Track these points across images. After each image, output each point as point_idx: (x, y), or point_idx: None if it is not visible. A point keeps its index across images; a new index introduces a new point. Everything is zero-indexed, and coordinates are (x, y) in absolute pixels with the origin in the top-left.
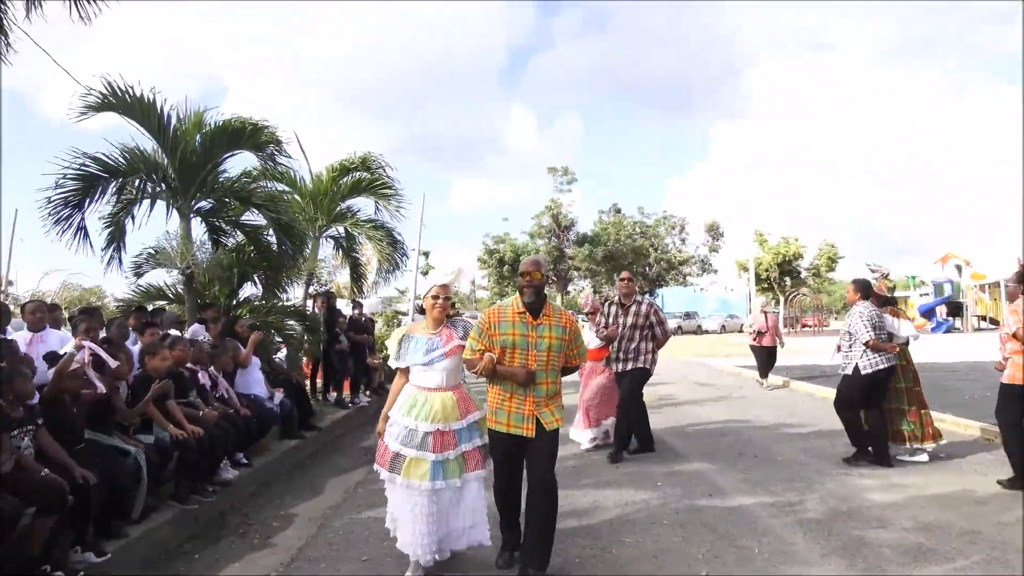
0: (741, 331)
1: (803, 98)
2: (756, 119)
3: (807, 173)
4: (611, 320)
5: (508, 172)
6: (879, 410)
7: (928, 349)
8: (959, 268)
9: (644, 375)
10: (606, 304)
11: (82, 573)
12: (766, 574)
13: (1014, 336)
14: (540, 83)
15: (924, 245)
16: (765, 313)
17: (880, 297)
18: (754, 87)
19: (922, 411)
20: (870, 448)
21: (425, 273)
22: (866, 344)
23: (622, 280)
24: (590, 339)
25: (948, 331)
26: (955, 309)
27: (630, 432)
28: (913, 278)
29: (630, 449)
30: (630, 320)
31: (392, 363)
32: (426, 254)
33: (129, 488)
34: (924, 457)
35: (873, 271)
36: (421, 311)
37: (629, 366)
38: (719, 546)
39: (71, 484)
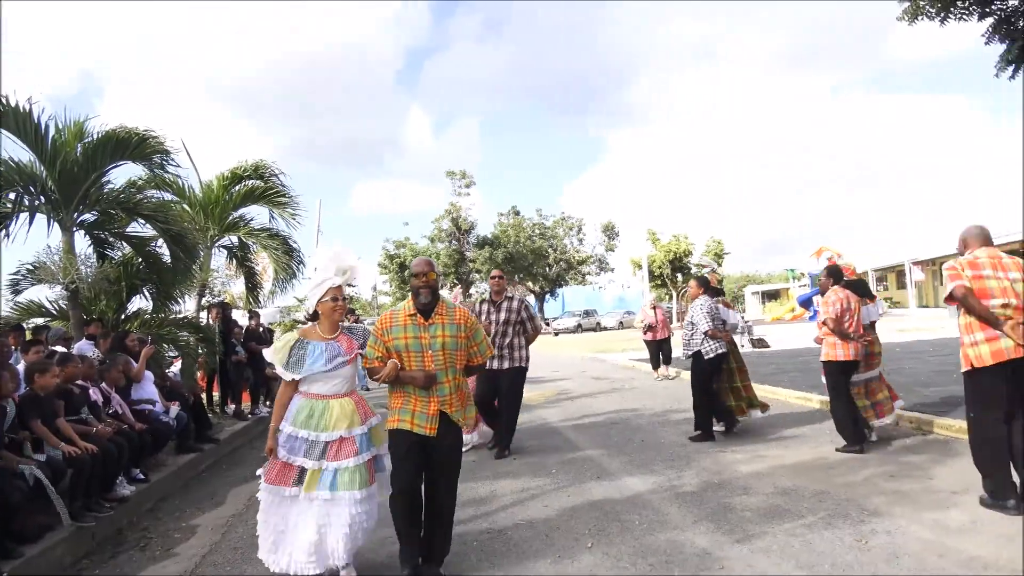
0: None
1: (690, 104)
2: (647, 124)
3: (696, 175)
4: (484, 318)
5: (408, 175)
6: (718, 389)
7: (803, 336)
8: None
9: (523, 373)
10: (478, 303)
11: None
12: (642, 541)
13: (824, 324)
14: (437, 85)
15: (802, 240)
16: (655, 308)
17: (713, 290)
18: (645, 93)
19: (746, 384)
20: (723, 424)
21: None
22: (705, 333)
23: (493, 278)
24: None
25: None
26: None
27: (512, 428)
28: (792, 271)
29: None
30: (503, 316)
31: (282, 373)
32: None
33: (21, 506)
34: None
35: (704, 267)
36: (314, 316)
37: (506, 364)
38: (604, 521)
39: None
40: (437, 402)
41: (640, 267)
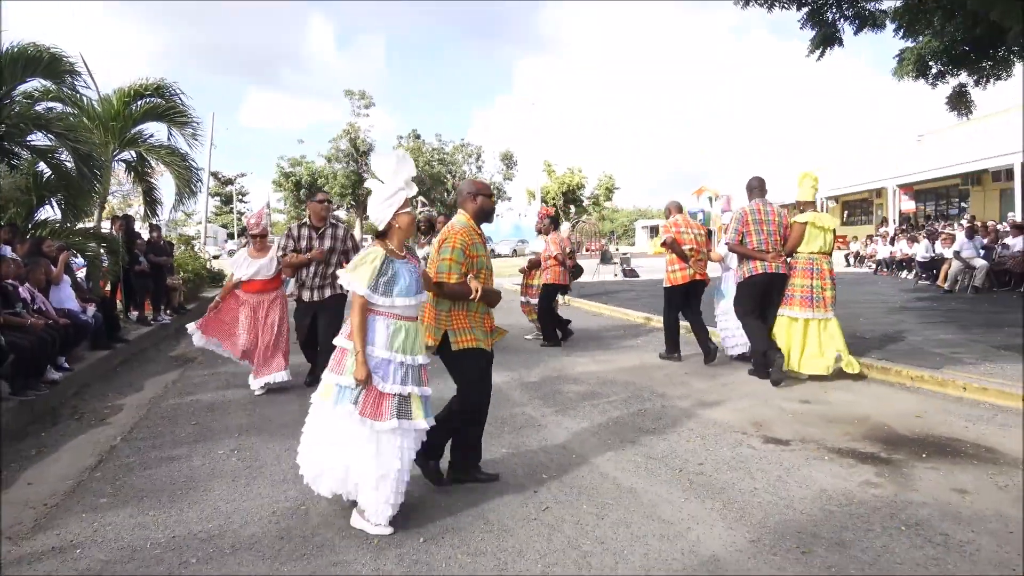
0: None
1: (597, 38)
2: (556, 54)
3: (596, 109)
4: (304, 244)
5: (305, 89)
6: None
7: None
8: (711, 199)
9: (343, 300)
10: (296, 226)
11: None
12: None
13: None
14: None
15: (692, 178)
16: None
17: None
18: (555, 21)
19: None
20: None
21: (282, 187)
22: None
23: (320, 202)
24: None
25: None
26: (707, 235)
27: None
28: None
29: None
30: (327, 244)
31: (370, 293)
32: (215, 175)
33: None
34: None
35: (422, 209)
36: (383, 233)
37: (327, 292)
38: None
39: None
40: (490, 318)
41: (535, 197)
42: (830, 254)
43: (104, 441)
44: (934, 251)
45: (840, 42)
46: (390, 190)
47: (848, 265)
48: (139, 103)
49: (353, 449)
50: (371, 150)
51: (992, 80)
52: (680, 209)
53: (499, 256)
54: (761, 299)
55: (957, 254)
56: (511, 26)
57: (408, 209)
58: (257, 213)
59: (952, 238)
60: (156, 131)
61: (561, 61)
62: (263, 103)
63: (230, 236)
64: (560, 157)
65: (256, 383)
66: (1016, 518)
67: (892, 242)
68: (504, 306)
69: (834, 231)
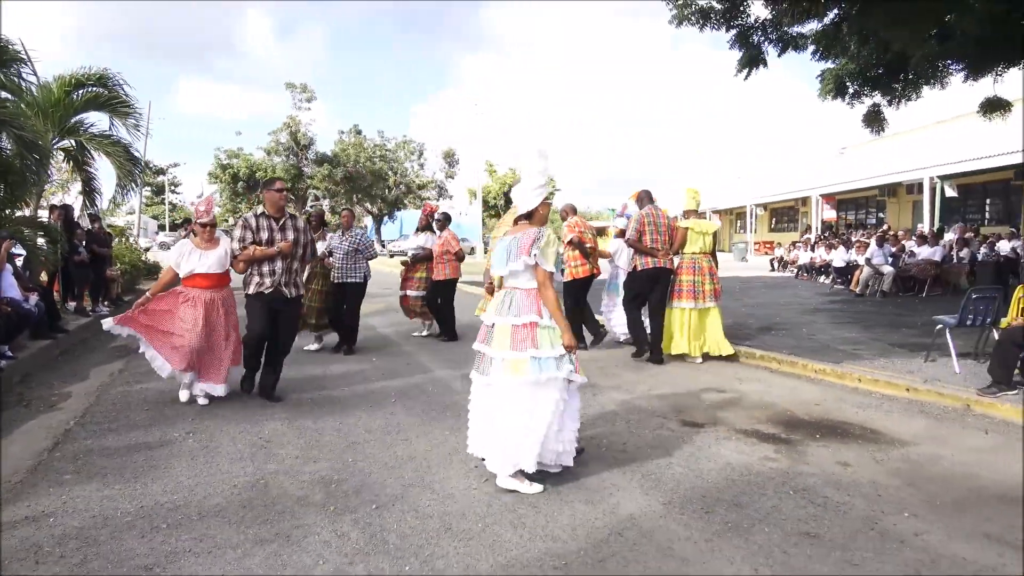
0: (471, 253)
1: (537, 38)
2: (499, 53)
3: (537, 109)
4: (266, 235)
5: (243, 79)
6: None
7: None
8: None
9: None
10: (252, 217)
11: None
12: (432, 399)
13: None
14: None
15: (626, 180)
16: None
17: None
18: (497, 22)
19: None
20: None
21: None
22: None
23: (279, 191)
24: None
25: None
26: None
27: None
28: (613, 210)
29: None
30: (290, 236)
31: (554, 271)
32: (146, 164)
33: None
34: None
35: (313, 204)
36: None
37: (294, 291)
38: (409, 394)
39: None
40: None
41: (476, 196)
42: (711, 254)
43: (57, 426)
44: (849, 258)
45: (765, 63)
46: (541, 180)
47: (773, 270)
48: (80, 92)
49: (543, 410)
50: (312, 144)
51: (904, 101)
52: (575, 211)
53: None
54: (648, 287)
55: (868, 261)
56: (453, 23)
57: (548, 200)
58: (206, 200)
59: (865, 246)
60: (98, 120)
61: (503, 60)
62: (196, 92)
63: (161, 228)
64: (502, 157)
65: (198, 389)
66: (886, 484)
67: (812, 248)
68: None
69: (715, 234)
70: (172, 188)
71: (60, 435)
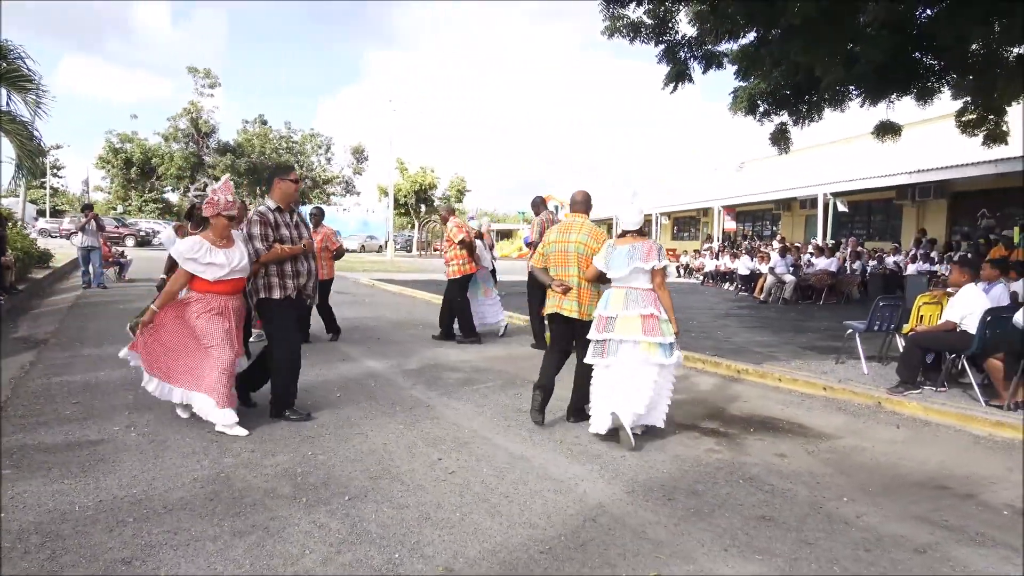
0: (379, 251)
1: (449, 38)
2: (412, 50)
3: (449, 109)
4: (285, 231)
5: (136, 62)
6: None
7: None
8: (557, 208)
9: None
10: (268, 211)
11: None
12: (375, 395)
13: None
14: None
15: (535, 186)
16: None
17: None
18: (410, 19)
19: None
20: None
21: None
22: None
23: (295, 181)
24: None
25: None
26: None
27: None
28: (523, 213)
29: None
30: (305, 232)
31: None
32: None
33: None
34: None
35: (197, 192)
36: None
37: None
38: (352, 389)
39: None
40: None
41: (386, 194)
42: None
43: None
44: (753, 267)
45: (691, 79)
46: (640, 207)
47: (679, 276)
48: None
49: (664, 383)
50: (214, 131)
51: (808, 121)
52: (453, 212)
53: (349, 251)
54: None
55: (772, 270)
56: (365, 18)
57: (649, 219)
58: (225, 186)
59: (768, 256)
60: None
61: (414, 57)
62: (82, 72)
63: (40, 214)
64: (413, 155)
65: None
66: (821, 472)
67: (717, 257)
68: (369, 299)
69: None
70: (54, 172)
71: None
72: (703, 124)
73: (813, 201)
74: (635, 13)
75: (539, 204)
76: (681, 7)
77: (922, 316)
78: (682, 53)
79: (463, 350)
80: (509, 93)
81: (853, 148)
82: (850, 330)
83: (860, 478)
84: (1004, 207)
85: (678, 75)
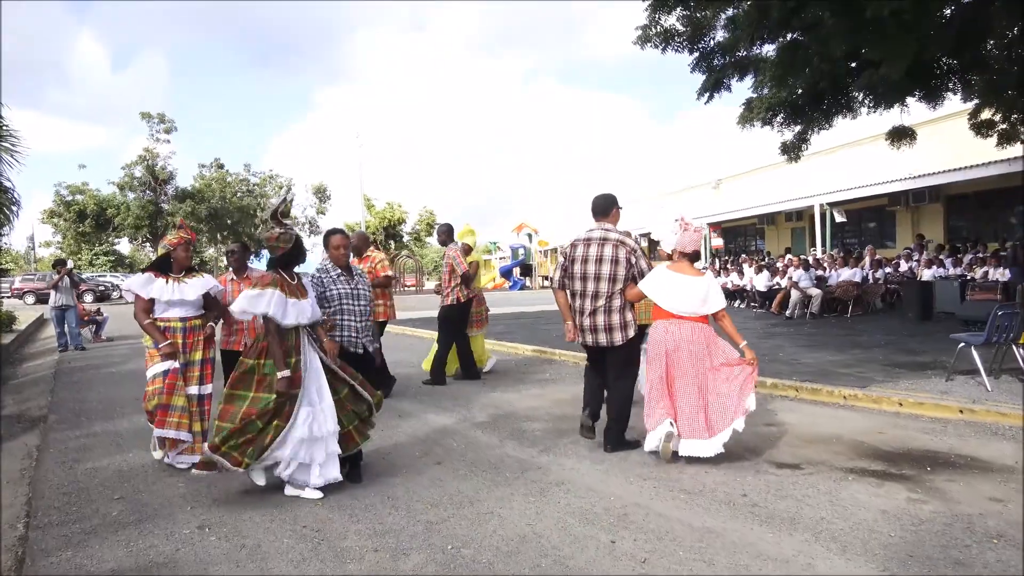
0: None
1: (400, 71)
2: (358, 85)
3: (407, 142)
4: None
5: (78, 112)
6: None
7: (508, 301)
8: (530, 236)
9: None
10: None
11: None
12: (466, 457)
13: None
14: (114, 12)
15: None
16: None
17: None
18: (355, 54)
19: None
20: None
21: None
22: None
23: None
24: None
25: (522, 288)
26: (526, 270)
27: None
28: (494, 243)
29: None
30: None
31: None
32: None
33: None
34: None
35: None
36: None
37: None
38: (435, 452)
39: None
40: None
41: (354, 231)
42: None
43: (4, 531)
44: (772, 282)
45: (728, 87)
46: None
47: None
48: None
49: None
50: (172, 178)
51: (817, 130)
52: (452, 236)
53: None
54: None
55: (796, 284)
56: (309, 55)
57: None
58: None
59: (778, 271)
60: None
61: (365, 91)
62: (22, 125)
63: None
64: (379, 191)
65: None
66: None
67: (719, 274)
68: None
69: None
70: None
71: (15, 543)
72: (650, 147)
73: (799, 214)
74: (667, 21)
75: (446, 233)
76: (728, 7)
77: None
78: (717, 60)
79: (510, 392)
80: (465, 123)
81: (837, 158)
82: (962, 344)
83: None
84: (1004, 207)
85: (715, 84)
